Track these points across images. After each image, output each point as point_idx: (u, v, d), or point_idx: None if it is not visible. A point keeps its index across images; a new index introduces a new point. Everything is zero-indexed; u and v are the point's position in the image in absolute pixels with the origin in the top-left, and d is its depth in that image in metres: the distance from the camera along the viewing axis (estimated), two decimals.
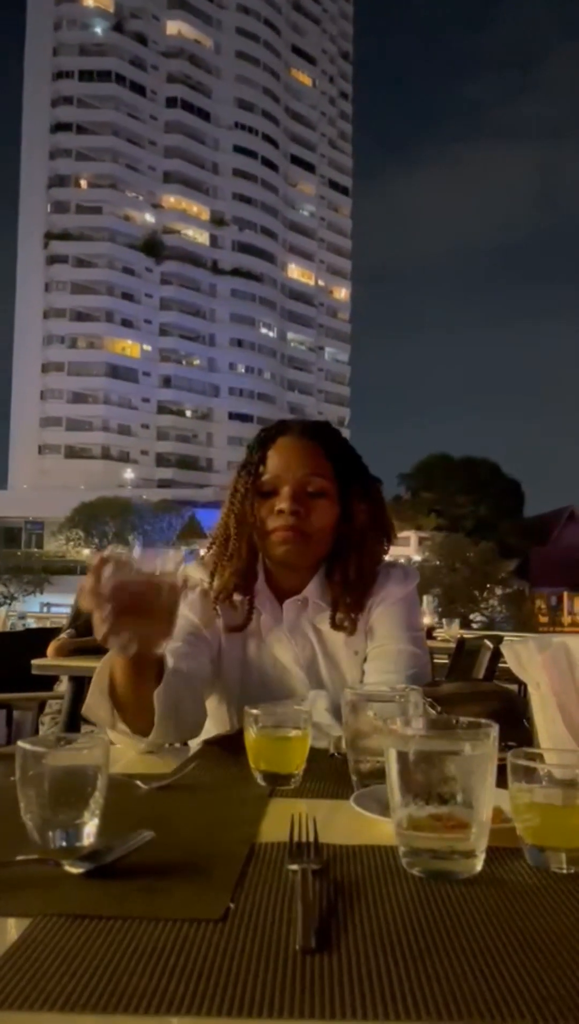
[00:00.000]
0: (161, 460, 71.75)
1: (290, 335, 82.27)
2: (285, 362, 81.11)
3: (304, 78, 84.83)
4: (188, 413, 73.87)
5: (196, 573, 1.67)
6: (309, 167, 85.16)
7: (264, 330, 78.04)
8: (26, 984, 0.59)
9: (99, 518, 50.13)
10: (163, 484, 67.34)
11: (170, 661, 1.41)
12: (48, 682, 4.18)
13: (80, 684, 3.88)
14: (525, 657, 1.08)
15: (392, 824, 0.85)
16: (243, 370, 76.25)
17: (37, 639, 4.63)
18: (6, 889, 0.77)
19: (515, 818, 0.86)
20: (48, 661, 3.99)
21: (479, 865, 0.82)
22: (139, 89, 71.78)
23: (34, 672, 3.83)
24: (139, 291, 71.67)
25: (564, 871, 0.82)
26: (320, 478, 1.62)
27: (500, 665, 4.28)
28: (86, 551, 52.18)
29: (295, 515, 1.59)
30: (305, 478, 1.61)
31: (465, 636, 5.55)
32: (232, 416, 75.43)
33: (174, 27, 74.14)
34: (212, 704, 1.66)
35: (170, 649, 1.45)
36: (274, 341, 79.12)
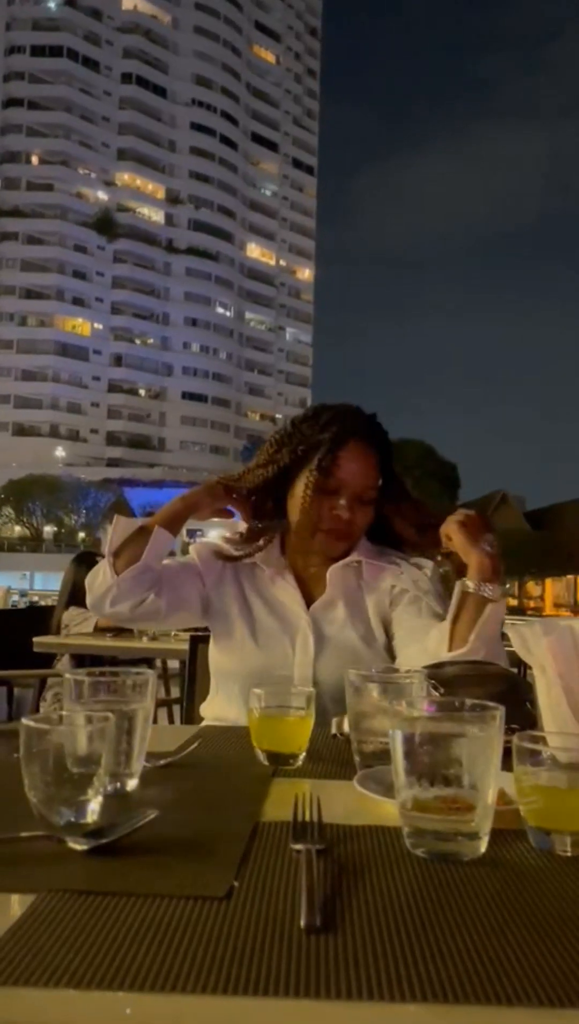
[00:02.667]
0: (112, 439, 71.86)
1: (248, 315, 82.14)
2: (243, 342, 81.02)
3: (268, 55, 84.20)
4: (141, 392, 73.89)
5: (217, 539, 1.83)
6: (272, 145, 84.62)
7: (220, 309, 77.95)
8: (31, 960, 0.59)
9: (29, 496, 50.36)
10: (112, 463, 67.54)
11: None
12: (49, 660, 4.14)
13: (81, 662, 3.98)
14: (531, 640, 1.07)
15: (396, 805, 0.85)
16: (197, 349, 76.24)
17: (38, 617, 4.64)
18: (10, 865, 0.77)
19: (519, 800, 0.86)
20: (50, 639, 4.01)
21: (483, 847, 0.82)
22: (93, 65, 71.32)
23: (36, 650, 3.84)
24: (91, 269, 71.51)
25: (568, 853, 0.82)
26: (373, 490, 1.74)
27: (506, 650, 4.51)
28: (17, 528, 52.36)
29: (350, 524, 1.71)
30: (365, 490, 1.72)
31: None
32: (185, 396, 75.47)
33: (130, 2, 73.56)
34: (218, 667, 1.77)
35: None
36: (231, 320, 79.02)
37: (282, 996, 0.56)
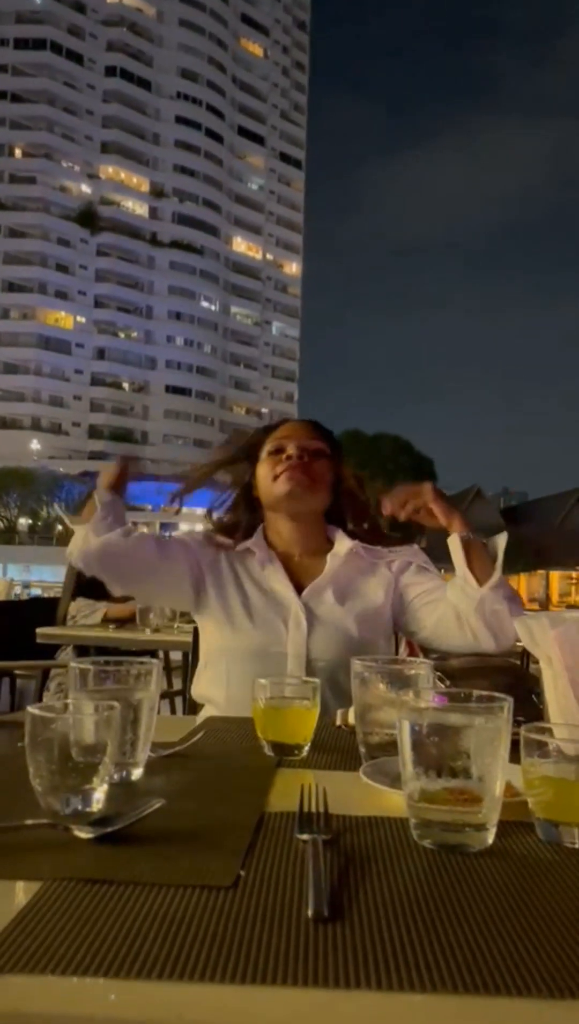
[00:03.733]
0: (94, 432, 71.89)
1: (234, 309, 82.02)
2: (228, 336, 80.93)
3: (255, 48, 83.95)
4: (125, 386, 73.92)
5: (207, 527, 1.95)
6: (258, 139, 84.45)
7: (205, 303, 77.83)
8: (36, 948, 0.59)
9: (3, 488, 50.48)
10: (94, 456, 67.54)
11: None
12: (51, 652, 4.15)
13: (84, 653, 3.84)
14: (538, 632, 1.08)
15: (403, 796, 0.85)
16: (181, 343, 76.13)
17: (41, 608, 4.62)
18: (16, 853, 0.77)
19: (527, 792, 0.86)
20: (53, 630, 3.98)
21: (490, 838, 0.82)
22: (76, 58, 71.13)
23: (39, 641, 3.83)
24: (74, 262, 71.40)
25: (576, 845, 0.82)
26: (319, 442, 1.87)
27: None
28: None
29: (301, 458, 1.82)
30: (307, 440, 1.86)
31: None
32: (169, 389, 75.46)
33: None
34: (212, 645, 1.81)
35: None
36: (216, 314, 78.92)
37: (289, 985, 0.56)
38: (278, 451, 1.86)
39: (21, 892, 0.70)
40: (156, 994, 0.55)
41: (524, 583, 46.28)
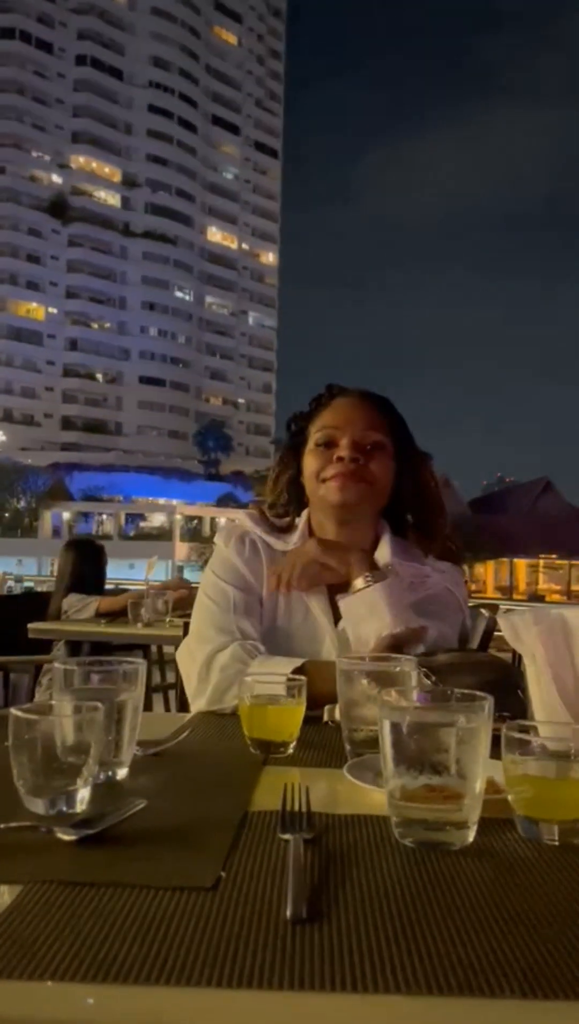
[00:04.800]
0: (67, 423, 71.79)
1: (209, 299, 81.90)
2: (203, 326, 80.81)
3: (229, 36, 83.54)
4: (98, 377, 73.82)
5: (247, 522, 1.70)
6: (233, 128, 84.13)
7: (179, 293, 77.69)
8: (16, 951, 0.59)
9: None
10: (67, 447, 67.54)
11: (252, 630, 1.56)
12: (45, 645, 4.14)
13: (76, 647, 3.97)
14: (521, 628, 1.07)
15: (385, 794, 0.85)
16: (155, 333, 76.02)
17: (34, 603, 4.60)
18: None
19: (508, 789, 0.86)
20: (45, 625, 4.02)
21: (471, 836, 0.82)
22: (46, 47, 70.72)
23: (31, 636, 3.84)
24: (45, 253, 71.14)
25: (556, 842, 0.82)
26: (377, 433, 1.63)
27: (496, 634, 4.52)
28: None
29: (354, 462, 1.60)
30: (363, 432, 1.63)
31: None
32: (143, 380, 75.38)
33: None
34: None
35: (233, 600, 1.58)
36: (190, 304, 78.79)
37: (266, 988, 0.56)
38: (328, 444, 1.64)
39: (3, 895, 0.69)
40: (135, 998, 0.55)
41: (491, 571, 46.61)
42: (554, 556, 45.21)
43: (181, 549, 40.69)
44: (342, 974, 0.57)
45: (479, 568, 48.46)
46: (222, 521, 49.49)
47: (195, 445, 70.85)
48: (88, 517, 49.24)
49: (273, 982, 0.56)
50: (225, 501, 51.12)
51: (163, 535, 43.96)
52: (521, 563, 46.25)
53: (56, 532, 45.54)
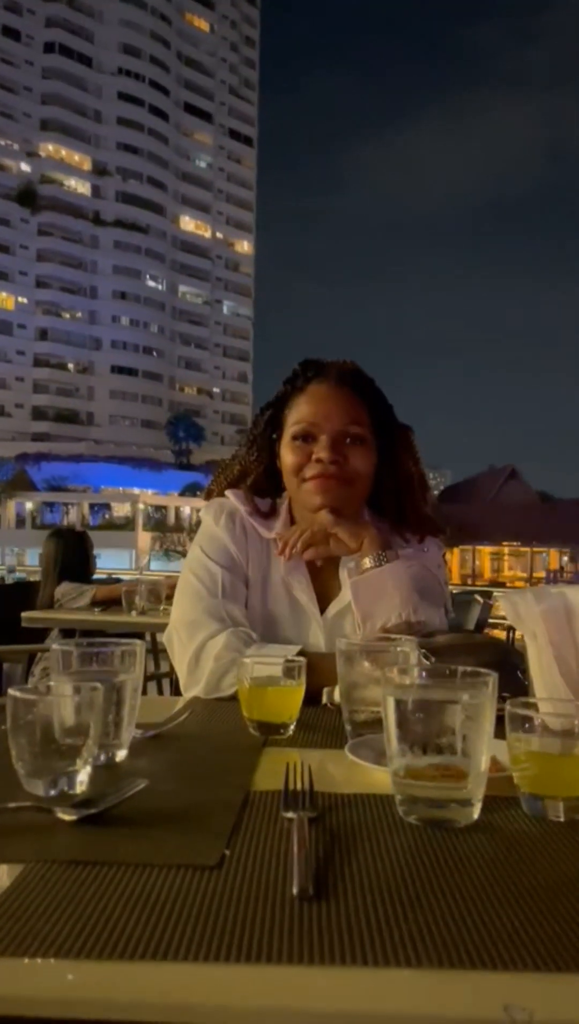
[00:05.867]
0: (38, 414, 71.56)
1: (182, 288, 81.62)
2: (176, 315, 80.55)
3: (201, 23, 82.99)
4: (70, 367, 73.55)
5: (234, 501, 1.65)
6: (206, 116, 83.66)
7: (151, 282, 77.42)
8: (19, 930, 0.59)
9: None
10: (38, 438, 67.34)
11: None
12: (37, 635, 4.16)
13: (70, 636, 3.84)
14: (522, 608, 1.07)
15: (388, 773, 0.85)
16: (127, 323, 75.76)
17: (26, 592, 4.61)
18: None
19: (512, 767, 0.86)
20: (39, 614, 4.03)
21: (476, 814, 0.82)
22: (14, 34, 70.23)
23: (24, 624, 3.86)
24: (14, 242, 70.76)
25: (561, 819, 0.82)
26: (357, 426, 1.58)
27: (490, 620, 4.43)
28: None
29: (335, 464, 1.55)
30: (343, 427, 1.57)
31: (453, 591, 5.80)
32: (115, 369, 75.15)
33: None
34: None
35: (221, 581, 1.55)
36: (163, 294, 78.53)
37: (274, 963, 0.55)
38: (305, 437, 1.58)
39: (4, 875, 0.69)
40: (141, 974, 0.55)
41: (457, 558, 46.80)
42: (517, 543, 45.41)
43: (144, 538, 40.63)
44: (351, 949, 0.57)
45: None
46: (187, 511, 49.46)
47: (167, 435, 70.71)
48: (54, 507, 49.19)
49: (282, 957, 0.56)
50: (192, 490, 51.08)
51: (128, 525, 43.93)
52: (485, 550, 46.43)
53: (20, 523, 45.48)
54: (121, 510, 48.76)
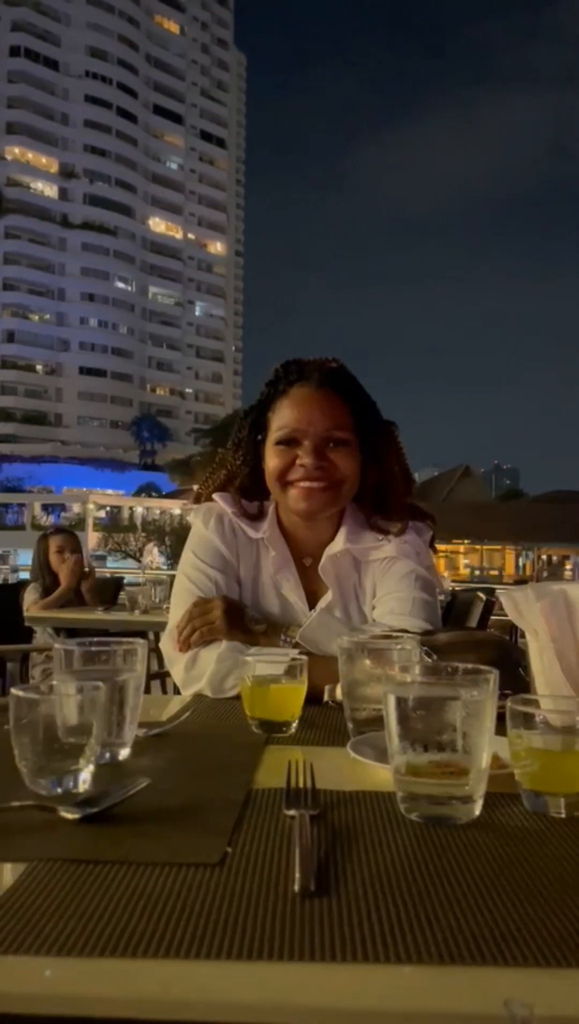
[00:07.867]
0: (4, 415, 71.81)
1: (153, 289, 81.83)
2: (146, 316, 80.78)
3: (170, 25, 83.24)
4: (38, 368, 73.84)
5: (221, 504, 1.66)
6: (176, 118, 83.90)
7: (120, 284, 77.65)
8: (22, 928, 0.59)
9: None
10: (5, 439, 67.61)
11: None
12: (28, 636, 4.26)
13: (71, 636, 4.01)
14: (523, 605, 1.07)
15: (390, 770, 0.85)
16: (95, 324, 76.00)
17: (16, 592, 4.65)
18: (2, 834, 0.77)
19: (513, 764, 0.86)
20: (39, 613, 4.17)
21: (477, 810, 0.82)
22: None
23: (27, 624, 4.02)
24: None
25: (562, 815, 0.83)
26: (340, 429, 1.58)
27: (493, 618, 4.50)
28: None
29: (319, 469, 1.56)
30: (326, 432, 1.57)
31: (456, 588, 5.89)
32: (83, 371, 75.42)
33: None
34: None
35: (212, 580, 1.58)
36: (132, 295, 78.73)
37: (276, 960, 0.56)
38: (289, 442, 1.58)
39: (7, 873, 0.69)
40: (144, 971, 0.55)
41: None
42: (467, 541, 45.70)
43: (93, 538, 40.93)
44: (353, 945, 0.57)
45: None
46: (140, 510, 49.68)
47: (132, 435, 70.90)
48: (9, 508, 49.49)
49: (284, 954, 0.56)
50: (146, 491, 51.26)
51: (80, 524, 44.21)
52: (440, 548, 46.67)
53: None
54: (76, 510, 49.04)
